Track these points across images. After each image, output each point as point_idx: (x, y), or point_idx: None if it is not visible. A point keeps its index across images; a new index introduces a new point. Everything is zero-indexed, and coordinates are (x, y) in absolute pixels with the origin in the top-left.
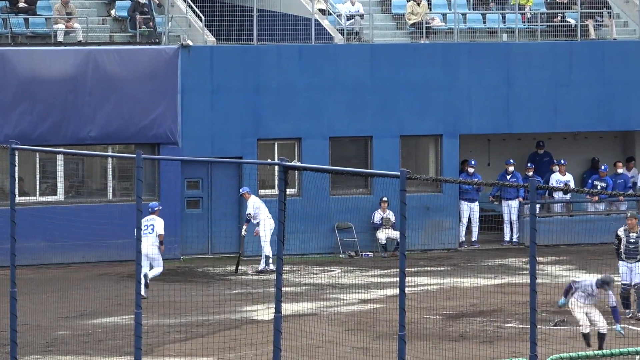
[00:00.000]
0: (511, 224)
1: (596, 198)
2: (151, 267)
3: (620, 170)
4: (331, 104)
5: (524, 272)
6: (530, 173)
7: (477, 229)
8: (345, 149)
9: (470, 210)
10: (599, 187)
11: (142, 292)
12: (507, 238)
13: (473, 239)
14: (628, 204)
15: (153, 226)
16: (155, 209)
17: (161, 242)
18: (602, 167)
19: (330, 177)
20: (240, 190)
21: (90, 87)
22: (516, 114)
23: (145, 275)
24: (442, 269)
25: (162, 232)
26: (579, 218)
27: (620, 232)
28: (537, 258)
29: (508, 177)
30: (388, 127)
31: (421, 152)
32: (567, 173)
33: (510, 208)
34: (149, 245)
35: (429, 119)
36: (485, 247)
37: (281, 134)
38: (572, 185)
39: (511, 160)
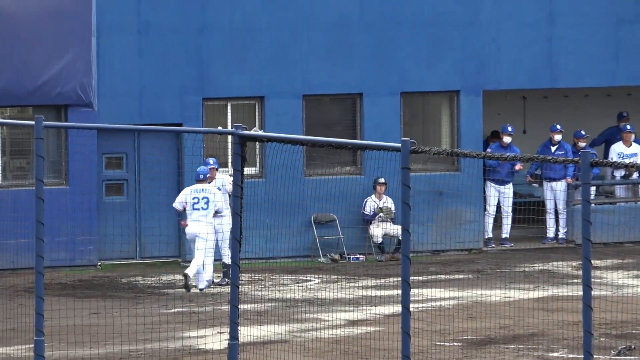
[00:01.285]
0: (556, 213)
1: None
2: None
3: None
4: (305, 50)
5: (575, 280)
6: (583, 144)
7: (510, 222)
8: (325, 111)
9: (500, 195)
10: None
11: (199, 285)
12: (550, 234)
13: (504, 236)
14: None
15: (208, 200)
16: (208, 175)
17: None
18: None
19: (304, 150)
20: (210, 161)
21: None
22: (562, 61)
23: (186, 276)
24: (461, 277)
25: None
26: None
27: None
28: (593, 261)
29: (553, 149)
30: (384, 80)
31: (431, 115)
32: (633, 143)
33: (556, 192)
34: (201, 224)
35: (441, 70)
36: (520, 247)
37: (236, 92)
38: None
39: (557, 126)
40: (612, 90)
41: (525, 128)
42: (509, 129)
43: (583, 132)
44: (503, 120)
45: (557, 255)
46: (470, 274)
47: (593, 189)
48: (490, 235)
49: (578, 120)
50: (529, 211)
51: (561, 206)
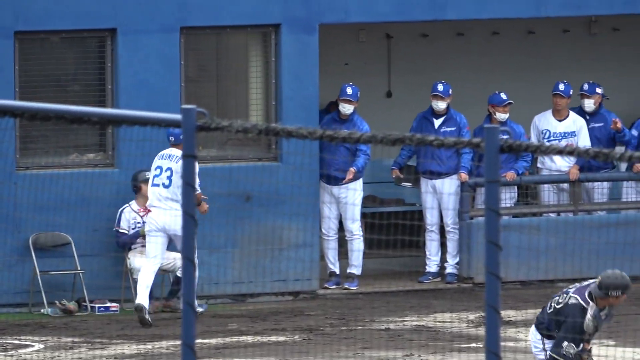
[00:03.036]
0: (442, 232)
1: None
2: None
3: None
4: None
5: (473, 344)
6: (505, 116)
7: (360, 247)
8: (52, 59)
9: (338, 202)
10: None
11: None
12: (432, 267)
13: (349, 270)
14: None
15: (171, 172)
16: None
17: (198, 203)
18: None
19: (17, 126)
20: None
21: None
22: None
23: (142, 309)
24: (282, 339)
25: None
26: (605, 219)
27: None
28: (504, 312)
29: (436, 123)
30: (152, 8)
31: (232, 66)
32: (571, 113)
33: (441, 197)
34: (167, 211)
35: None
36: (380, 288)
37: None
38: (582, 139)
39: (440, 86)
40: (537, 23)
41: (391, 88)
42: (349, 90)
43: (503, 96)
44: (352, 76)
45: (442, 302)
46: (298, 334)
47: (508, 190)
48: (334, 268)
49: (481, 74)
50: (396, 228)
51: (450, 220)
